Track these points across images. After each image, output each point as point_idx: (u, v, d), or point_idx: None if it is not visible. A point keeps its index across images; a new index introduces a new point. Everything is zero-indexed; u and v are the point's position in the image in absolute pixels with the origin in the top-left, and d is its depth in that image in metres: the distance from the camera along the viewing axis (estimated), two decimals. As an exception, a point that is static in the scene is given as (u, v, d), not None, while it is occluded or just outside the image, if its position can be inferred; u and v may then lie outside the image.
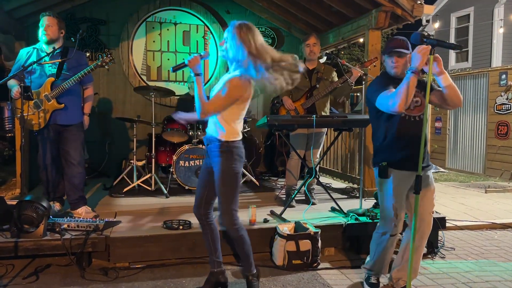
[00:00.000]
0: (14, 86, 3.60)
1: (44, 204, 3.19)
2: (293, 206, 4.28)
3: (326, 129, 4.75)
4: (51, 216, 3.33)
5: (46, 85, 3.65)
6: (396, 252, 3.07)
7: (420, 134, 2.76)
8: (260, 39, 2.56)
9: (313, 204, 4.41)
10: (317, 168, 4.33)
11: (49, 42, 3.68)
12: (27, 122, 3.63)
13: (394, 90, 2.69)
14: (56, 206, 3.85)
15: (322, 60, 6.79)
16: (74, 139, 3.77)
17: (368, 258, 3.06)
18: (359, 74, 4.21)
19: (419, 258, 2.91)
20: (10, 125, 5.91)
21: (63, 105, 3.66)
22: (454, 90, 2.67)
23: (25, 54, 3.74)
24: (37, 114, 3.67)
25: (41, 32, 3.68)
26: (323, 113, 4.52)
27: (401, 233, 3.26)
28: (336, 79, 4.54)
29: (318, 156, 4.64)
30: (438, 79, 2.66)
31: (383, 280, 3.04)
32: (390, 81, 2.80)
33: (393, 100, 2.61)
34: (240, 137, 2.71)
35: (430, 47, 2.52)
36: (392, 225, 2.85)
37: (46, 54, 3.63)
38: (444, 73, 2.63)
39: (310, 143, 4.44)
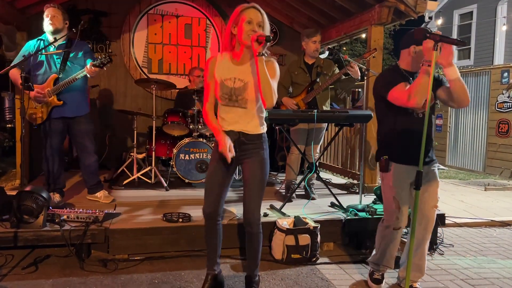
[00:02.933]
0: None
1: (44, 195, 3.20)
2: (291, 201, 4.28)
3: (327, 124, 4.74)
4: (50, 207, 3.34)
5: (49, 81, 3.72)
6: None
7: (423, 130, 2.75)
8: None
9: (313, 199, 4.42)
10: (317, 163, 4.33)
11: (54, 32, 3.73)
12: (30, 116, 3.75)
13: (407, 84, 2.63)
14: (56, 197, 3.86)
15: (325, 55, 6.76)
16: (87, 131, 3.93)
17: (374, 252, 3.05)
18: (352, 70, 4.23)
19: (423, 255, 2.86)
20: (11, 116, 5.90)
21: (61, 102, 3.74)
22: (461, 86, 2.52)
23: (32, 46, 3.79)
24: (39, 108, 3.76)
25: (46, 23, 3.72)
26: (324, 108, 4.51)
27: (406, 229, 3.25)
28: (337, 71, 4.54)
29: (318, 151, 4.63)
30: (444, 71, 2.53)
31: (390, 280, 3.04)
32: (400, 76, 2.74)
33: (412, 94, 2.52)
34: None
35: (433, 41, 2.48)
36: (394, 218, 2.82)
37: (52, 45, 3.70)
38: (451, 65, 2.48)
39: (311, 138, 4.43)
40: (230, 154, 2.50)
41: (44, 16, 3.73)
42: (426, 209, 2.79)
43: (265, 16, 2.45)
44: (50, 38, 3.76)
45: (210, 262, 2.73)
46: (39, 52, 3.66)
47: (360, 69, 4.32)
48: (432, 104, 2.77)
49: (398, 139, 2.79)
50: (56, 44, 3.74)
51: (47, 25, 3.71)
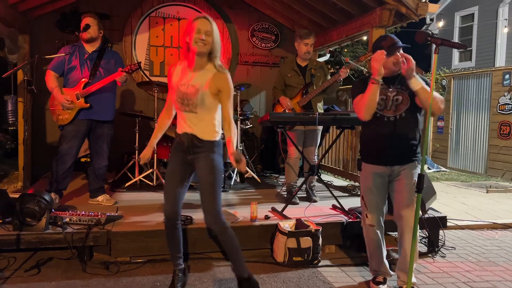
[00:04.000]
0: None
1: (46, 197, 3.21)
2: (295, 203, 4.28)
3: (322, 126, 4.72)
4: (53, 210, 3.34)
5: (80, 85, 3.87)
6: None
7: (393, 133, 2.78)
8: None
9: (314, 201, 4.42)
10: (318, 166, 4.33)
11: (89, 40, 3.92)
12: (57, 117, 3.93)
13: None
14: (56, 198, 3.87)
15: (326, 57, 6.76)
16: (108, 136, 4.12)
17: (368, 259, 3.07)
18: (347, 74, 4.24)
19: (405, 258, 2.84)
20: (13, 119, 5.92)
21: (88, 104, 3.88)
22: (426, 95, 2.57)
23: (68, 51, 3.94)
24: (67, 110, 3.90)
25: (82, 32, 3.89)
26: (318, 109, 4.51)
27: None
28: (329, 77, 4.54)
29: (315, 153, 4.63)
30: (407, 83, 2.65)
31: (391, 282, 3.04)
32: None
33: (357, 110, 2.78)
34: None
35: (383, 52, 2.59)
36: (364, 215, 2.95)
37: (86, 52, 3.90)
38: (412, 77, 2.59)
39: (309, 140, 4.45)
40: (142, 161, 2.88)
41: (81, 24, 3.89)
42: (399, 209, 2.84)
43: (214, 25, 2.62)
44: (85, 45, 3.94)
45: (175, 259, 2.87)
46: (73, 57, 3.86)
47: (361, 71, 4.33)
48: (407, 107, 2.78)
49: (367, 141, 2.95)
50: (90, 50, 3.93)
51: (83, 34, 3.87)
